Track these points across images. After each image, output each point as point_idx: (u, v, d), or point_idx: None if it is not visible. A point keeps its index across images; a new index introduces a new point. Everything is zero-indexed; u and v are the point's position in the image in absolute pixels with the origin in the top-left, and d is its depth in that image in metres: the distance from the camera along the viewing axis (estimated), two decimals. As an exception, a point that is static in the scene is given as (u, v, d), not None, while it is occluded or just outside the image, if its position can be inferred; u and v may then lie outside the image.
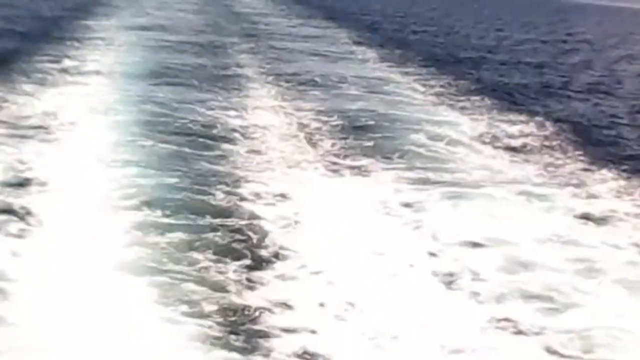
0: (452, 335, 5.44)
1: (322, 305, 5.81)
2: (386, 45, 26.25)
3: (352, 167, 10.11)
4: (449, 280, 6.46)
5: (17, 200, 7.62)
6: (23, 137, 10.23)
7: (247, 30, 28.25)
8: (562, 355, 5.38)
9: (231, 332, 5.32)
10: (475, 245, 7.45)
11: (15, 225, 6.91)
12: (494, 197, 9.36)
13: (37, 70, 15.52)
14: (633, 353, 5.54)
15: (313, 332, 5.40)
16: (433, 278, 6.53)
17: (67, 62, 16.81)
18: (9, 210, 7.30)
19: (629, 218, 8.96)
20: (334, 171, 9.85)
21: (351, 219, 8.10)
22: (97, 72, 15.97)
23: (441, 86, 17.87)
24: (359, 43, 26.55)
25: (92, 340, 5.11)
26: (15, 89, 13.39)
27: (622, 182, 10.38)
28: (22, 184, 8.20)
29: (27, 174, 8.54)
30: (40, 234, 6.83)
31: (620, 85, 21.26)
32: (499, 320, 5.77)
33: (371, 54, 23.70)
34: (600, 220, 8.79)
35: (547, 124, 14.02)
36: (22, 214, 7.22)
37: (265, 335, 5.33)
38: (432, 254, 7.05)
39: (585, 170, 10.95)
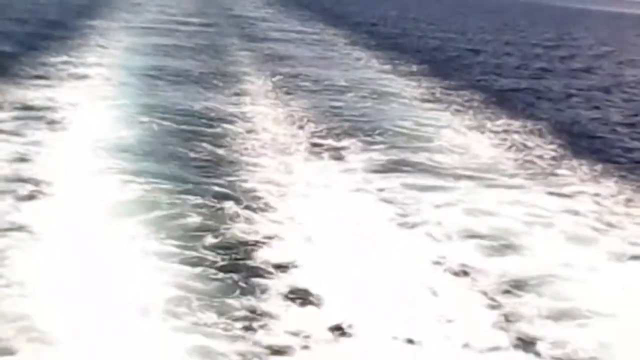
0: (403, 274, 6.34)
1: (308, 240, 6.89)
2: (381, 47, 26.74)
3: (333, 148, 10.92)
4: (411, 227, 7.44)
5: (27, 170, 8.52)
6: (31, 119, 11.10)
7: (246, 32, 28.92)
8: (492, 299, 6.02)
9: (228, 270, 6.14)
10: (440, 205, 8.36)
11: (27, 188, 7.83)
12: (468, 176, 10.08)
13: (43, 67, 16.25)
14: (561, 301, 6.10)
15: (299, 265, 6.30)
16: (397, 227, 7.48)
17: (71, 61, 17.52)
18: (22, 178, 8.19)
19: (595, 197, 9.51)
20: (317, 153, 10.62)
21: (332, 189, 8.92)
22: (100, 65, 16.84)
23: (433, 87, 18.04)
24: (353, 44, 27.20)
25: (91, 274, 5.90)
26: (23, 83, 14.15)
27: (595, 172, 10.82)
28: (32, 158, 9.07)
29: (35, 151, 9.41)
30: (48, 193, 7.76)
31: (612, 90, 21.20)
32: (444, 259, 6.65)
33: (365, 54, 24.20)
34: (566, 196, 9.43)
35: (530, 121, 14.40)
36: (33, 180, 8.11)
37: (259, 271, 6.16)
38: (400, 214, 7.92)
39: (561, 161, 11.35)
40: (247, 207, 7.71)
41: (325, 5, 50.59)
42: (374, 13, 48.33)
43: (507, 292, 6.13)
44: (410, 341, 5.17)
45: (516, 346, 5.22)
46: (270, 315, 5.45)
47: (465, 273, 6.45)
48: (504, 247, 7.11)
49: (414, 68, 21.30)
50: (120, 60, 18.03)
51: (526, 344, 5.27)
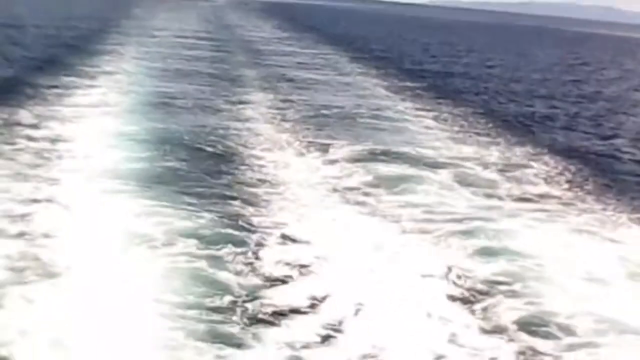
0: (368, 225, 8.18)
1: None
2: (385, 68, 26.79)
3: (320, 143, 12.40)
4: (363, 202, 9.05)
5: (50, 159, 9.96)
6: (53, 120, 12.58)
7: (255, 56, 29.33)
8: (440, 242, 7.74)
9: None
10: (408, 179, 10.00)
11: (47, 172, 9.28)
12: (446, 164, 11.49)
13: (54, 87, 17.11)
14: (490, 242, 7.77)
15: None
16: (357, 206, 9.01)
17: (86, 77, 18.63)
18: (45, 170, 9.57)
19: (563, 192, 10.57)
20: (307, 146, 12.13)
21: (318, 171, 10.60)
22: (111, 75, 18.29)
23: (435, 109, 17.74)
24: (359, 67, 27.03)
25: (101, 228, 7.31)
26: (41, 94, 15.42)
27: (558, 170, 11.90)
28: (54, 150, 10.52)
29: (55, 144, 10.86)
30: (63, 177, 9.18)
31: (616, 113, 20.66)
32: (407, 231, 8.12)
33: (371, 78, 23.75)
34: (539, 197, 10.23)
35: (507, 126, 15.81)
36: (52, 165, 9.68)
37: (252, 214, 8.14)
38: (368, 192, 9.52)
39: (534, 162, 12.19)
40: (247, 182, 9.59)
41: (331, 29, 51.57)
42: (381, 36, 49.28)
43: (453, 235, 7.92)
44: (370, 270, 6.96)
45: (445, 274, 6.90)
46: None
47: (427, 222, 8.26)
48: (464, 217, 8.61)
49: (418, 90, 21.22)
50: (131, 80, 18.74)
51: (447, 273, 6.91)
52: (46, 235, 6.85)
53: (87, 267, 6.27)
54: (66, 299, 5.72)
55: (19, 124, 11.96)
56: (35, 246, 6.61)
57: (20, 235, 6.86)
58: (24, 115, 12.70)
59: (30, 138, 11.02)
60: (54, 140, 11.04)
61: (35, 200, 7.92)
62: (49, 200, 7.95)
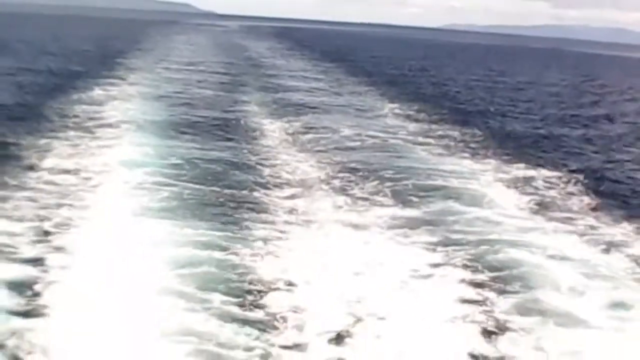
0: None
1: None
2: (400, 97, 25.78)
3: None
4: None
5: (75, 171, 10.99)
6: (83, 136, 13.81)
7: (265, 77, 29.72)
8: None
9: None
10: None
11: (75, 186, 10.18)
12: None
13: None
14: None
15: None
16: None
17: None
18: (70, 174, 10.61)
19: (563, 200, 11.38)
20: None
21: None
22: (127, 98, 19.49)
23: (447, 132, 17.77)
24: (386, 99, 25.35)
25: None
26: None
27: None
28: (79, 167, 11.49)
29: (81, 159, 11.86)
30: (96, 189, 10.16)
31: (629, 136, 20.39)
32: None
33: (391, 108, 22.49)
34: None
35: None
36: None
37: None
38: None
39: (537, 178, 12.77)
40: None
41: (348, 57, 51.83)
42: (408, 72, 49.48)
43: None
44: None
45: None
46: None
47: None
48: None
49: (430, 114, 21.11)
50: (147, 104, 19.32)
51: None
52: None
53: (113, 284, 6.89)
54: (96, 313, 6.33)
55: (33, 151, 12.39)
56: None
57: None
58: (40, 142, 13.15)
59: (49, 163, 11.62)
60: (69, 163, 11.76)
61: (58, 225, 8.53)
62: (67, 226, 8.53)
